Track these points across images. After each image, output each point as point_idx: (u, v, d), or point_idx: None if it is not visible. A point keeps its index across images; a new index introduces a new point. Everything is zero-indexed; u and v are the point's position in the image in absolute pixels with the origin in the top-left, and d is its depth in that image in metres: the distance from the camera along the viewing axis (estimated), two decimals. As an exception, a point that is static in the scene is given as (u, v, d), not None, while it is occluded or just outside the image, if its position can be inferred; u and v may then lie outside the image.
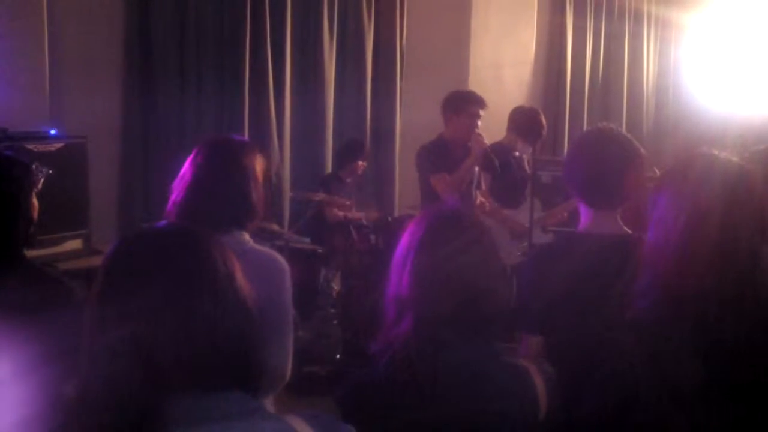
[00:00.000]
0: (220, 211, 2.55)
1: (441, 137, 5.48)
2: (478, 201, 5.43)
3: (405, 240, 2.04)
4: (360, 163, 6.68)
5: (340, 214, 6.42)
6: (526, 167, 5.86)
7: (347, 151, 6.75)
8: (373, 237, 6.53)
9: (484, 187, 5.55)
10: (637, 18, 9.90)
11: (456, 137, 5.39)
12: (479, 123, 5.38)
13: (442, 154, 5.33)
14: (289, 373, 2.63)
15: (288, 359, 2.62)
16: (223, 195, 2.57)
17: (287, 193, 6.81)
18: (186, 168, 2.62)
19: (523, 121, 5.86)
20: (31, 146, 4.64)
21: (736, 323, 1.86)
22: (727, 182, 1.94)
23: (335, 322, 6.02)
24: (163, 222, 2.41)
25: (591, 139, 2.78)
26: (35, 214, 2.57)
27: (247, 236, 2.62)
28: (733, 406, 1.86)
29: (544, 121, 5.96)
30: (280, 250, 5.24)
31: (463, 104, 5.39)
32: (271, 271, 2.59)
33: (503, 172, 5.61)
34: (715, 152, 2.04)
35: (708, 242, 1.88)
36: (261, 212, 2.67)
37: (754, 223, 1.91)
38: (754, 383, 1.85)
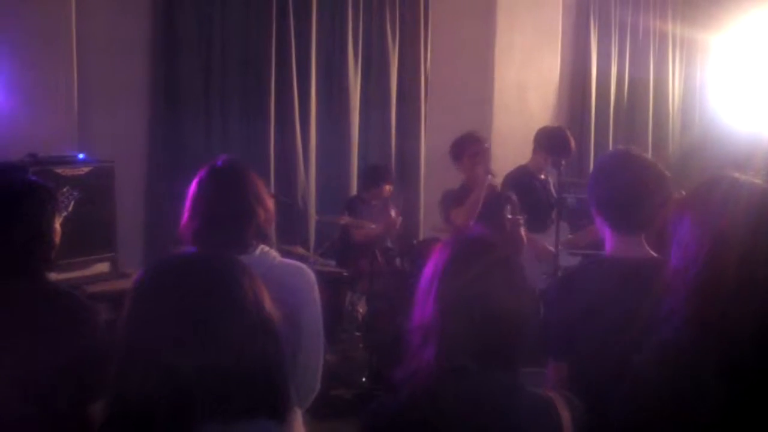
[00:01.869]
0: (240, 228, 2.58)
1: (463, 183, 5.57)
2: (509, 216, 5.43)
3: (430, 266, 2.00)
4: (386, 187, 6.68)
5: (366, 233, 6.40)
6: (552, 190, 5.83)
7: (373, 176, 6.74)
8: (398, 260, 6.52)
9: (521, 219, 5.51)
10: (662, 39, 9.87)
11: (471, 181, 5.44)
12: (487, 153, 5.45)
13: (464, 194, 5.38)
14: (318, 385, 2.64)
15: (318, 371, 2.63)
16: (239, 212, 2.59)
17: (312, 217, 6.82)
18: (193, 198, 2.64)
19: (549, 139, 5.82)
20: (59, 170, 4.69)
21: (760, 350, 1.84)
22: (751, 205, 1.91)
23: (361, 345, 6.01)
24: (191, 248, 2.43)
25: (614, 162, 2.76)
26: (57, 239, 2.59)
27: (273, 252, 2.64)
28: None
29: (571, 137, 5.92)
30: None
31: (460, 151, 5.54)
32: (300, 282, 2.62)
33: (529, 195, 5.60)
34: (739, 175, 2.02)
35: (731, 267, 1.85)
36: (273, 218, 2.70)
37: None
38: None
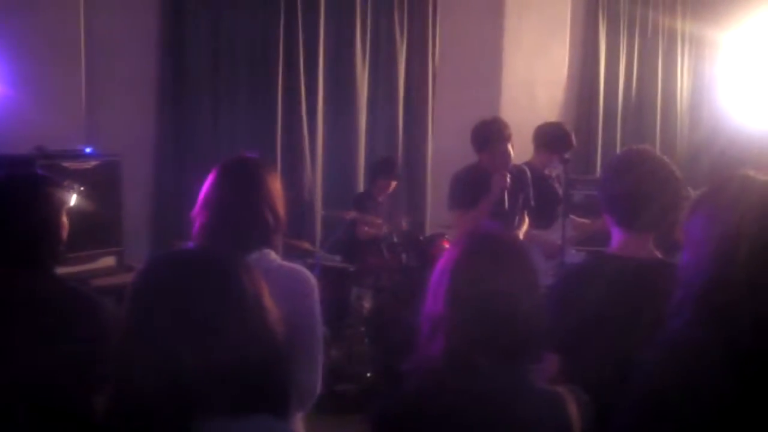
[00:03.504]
0: (246, 231, 2.54)
1: (477, 166, 5.25)
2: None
3: (442, 260, 2.00)
4: (390, 182, 6.66)
5: (371, 231, 6.40)
6: (557, 187, 5.81)
7: (379, 170, 6.73)
8: (404, 255, 6.52)
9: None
10: (671, 36, 9.84)
11: (489, 168, 5.22)
12: (511, 150, 5.20)
13: (472, 191, 5.10)
14: (318, 389, 2.62)
15: (318, 375, 2.61)
16: (248, 215, 2.56)
17: (319, 212, 6.83)
18: (207, 190, 2.60)
19: (549, 135, 5.79)
20: (66, 164, 4.71)
21: (766, 345, 1.84)
22: (762, 204, 1.91)
23: (366, 340, 6.01)
24: (192, 244, 2.42)
25: (626, 161, 2.76)
26: (65, 233, 2.59)
27: (273, 254, 2.61)
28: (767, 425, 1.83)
29: (570, 131, 5.88)
30: (311, 268, 5.24)
31: (484, 142, 5.15)
32: (299, 286, 2.58)
33: (533, 192, 5.55)
34: (751, 174, 2.01)
35: (740, 264, 1.85)
36: (284, 228, 2.67)
37: None
38: None
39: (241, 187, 2.60)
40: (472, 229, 2.17)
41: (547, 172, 5.80)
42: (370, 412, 2.01)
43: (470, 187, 5.14)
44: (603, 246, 2.83)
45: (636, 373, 1.95)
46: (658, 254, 2.61)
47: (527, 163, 5.73)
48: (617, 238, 2.66)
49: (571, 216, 5.43)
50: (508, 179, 5.08)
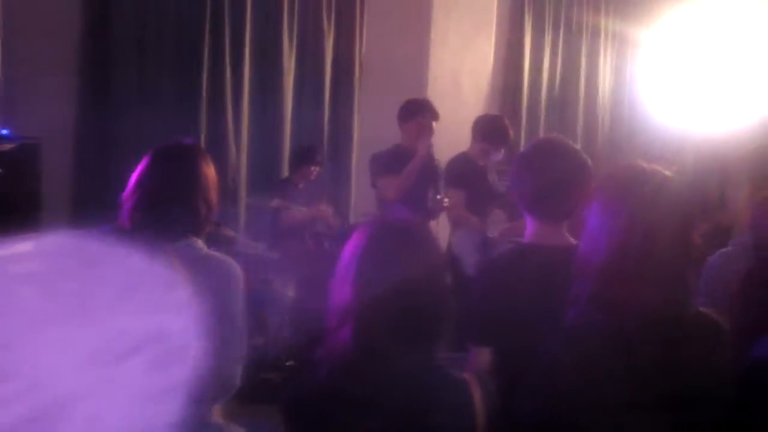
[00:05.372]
0: (175, 219, 2.52)
1: (397, 145, 5.51)
2: (436, 197, 5.42)
3: (349, 248, 2.04)
4: (312, 168, 6.66)
5: (298, 215, 6.38)
6: (491, 178, 5.89)
7: (298, 157, 6.74)
8: (327, 244, 6.52)
9: (446, 201, 5.50)
10: (594, 33, 10.03)
11: (409, 145, 5.42)
12: (432, 132, 5.43)
13: (395, 161, 5.35)
14: (239, 380, 2.62)
15: (240, 366, 2.61)
16: (179, 203, 2.53)
17: (243, 199, 6.78)
18: (140, 174, 2.57)
19: (488, 127, 5.88)
20: (-19, 146, 4.58)
21: (661, 333, 1.91)
22: (650, 194, 1.97)
23: (289, 329, 6.00)
24: (107, 226, 2.37)
25: (538, 151, 2.81)
26: None
27: (200, 242, 2.60)
28: (658, 415, 1.90)
29: (508, 126, 5.99)
30: (234, 255, 5.20)
31: (412, 113, 5.44)
32: (226, 277, 2.58)
33: (469, 183, 5.64)
34: (640, 163, 2.08)
35: (629, 254, 1.92)
36: (214, 217, 2.66)
37: (677, 234, 1.95)
38: (677, 394, 1.89)
39: (176, 174, 2.57)
40: (378, 217, 2.21)
41: (481, 164, 5.89)
42: (282, 397, 2.04)
43: (394, 157, 5.44)
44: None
45: (539, 362, 2.00)
46: (572, 241, 2.66)
47: (463, 154, 5.82)
48: (532, 227, 2.70)
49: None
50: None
